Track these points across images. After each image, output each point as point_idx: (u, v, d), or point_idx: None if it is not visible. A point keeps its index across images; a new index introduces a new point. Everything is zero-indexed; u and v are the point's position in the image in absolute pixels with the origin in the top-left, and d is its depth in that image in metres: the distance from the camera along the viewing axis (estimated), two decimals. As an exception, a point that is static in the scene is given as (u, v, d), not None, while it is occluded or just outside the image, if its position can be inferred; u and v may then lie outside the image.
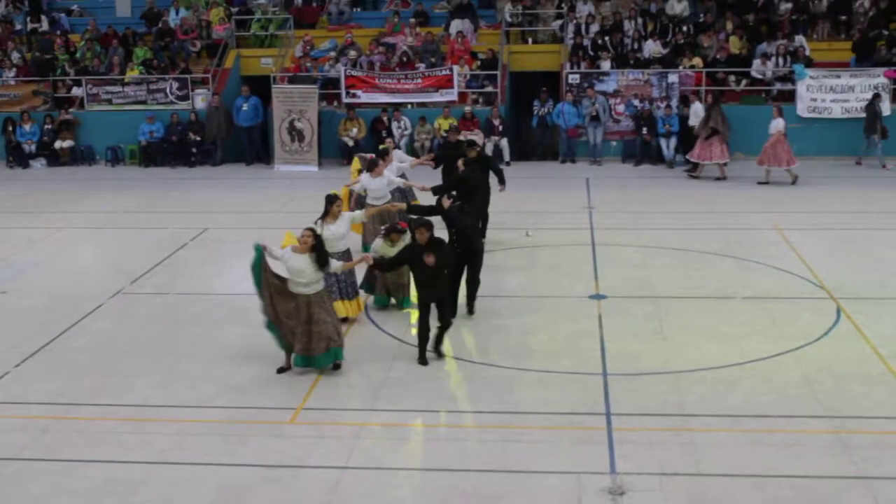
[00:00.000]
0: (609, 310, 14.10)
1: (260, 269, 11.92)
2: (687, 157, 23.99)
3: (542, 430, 10.39)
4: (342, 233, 13.27)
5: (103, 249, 18.52)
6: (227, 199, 22.40)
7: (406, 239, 12.67)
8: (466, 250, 13.59)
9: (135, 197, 22.90)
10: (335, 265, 12.26)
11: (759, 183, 22.71)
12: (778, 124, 23.00)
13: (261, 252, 11.91)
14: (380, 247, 12.86)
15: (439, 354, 12.32)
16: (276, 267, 12.09)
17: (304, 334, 11.77)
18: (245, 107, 26.82)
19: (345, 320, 13.31)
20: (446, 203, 13.99)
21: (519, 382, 11.63)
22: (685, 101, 25.93)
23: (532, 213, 20.06)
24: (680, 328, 13.34)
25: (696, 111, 24.55)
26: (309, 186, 23.36)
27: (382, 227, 13.13)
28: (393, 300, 14.12)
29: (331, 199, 13.29)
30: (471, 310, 13.93)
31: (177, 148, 27.09)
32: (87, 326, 14.00)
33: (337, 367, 11.97)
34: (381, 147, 16.38)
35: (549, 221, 19.39)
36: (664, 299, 14.57)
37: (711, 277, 15.59)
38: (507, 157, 25.85)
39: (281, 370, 12.04)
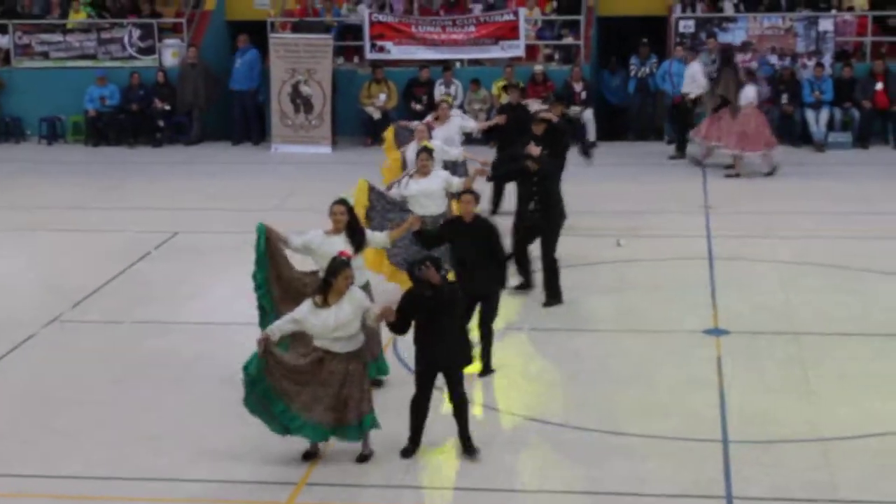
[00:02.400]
0: (732, 350, 14.02)
1: (266, 258, 12.45)
2: (692, 137, 23.76)
3: (637, 519, 10.35)
4: (435, 189, 15.18)
5: (35, 260, 18.70)
6: (206, 192, 22.55)
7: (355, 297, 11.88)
8: (549, 212, 15.16)
9: (79, 188, 23.10)
10: (377, 239, 12.82)
11: (728, 176, 22.82)
12: (748, 94, 22.94)
13: (264, 233, 12.43)
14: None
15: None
16: (298, 261, 12.75)
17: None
18: (239, 63, 27.05)
19: None
20: (535, 151, 15.30)
21: (606, 451, 11.57)
22: (843, 57, 25.79)
23: (626, 214, 20.04)
24: (833, 377, 13.24)
25: (694, 74, 24.37)
26: (319, 174, 23.45)
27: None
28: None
29: (420, 151, 15.54)
30: (553, 297, 15.51)
31: (137, 120, 27.33)
32: (13, 365, 14.12)
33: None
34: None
35: (649, 226, 19.37)
36: (810, 336, 14.47)
37: (877, 306, 15.47)
38: (591, 134, 25.78)
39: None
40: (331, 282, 11.14)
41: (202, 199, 21.95)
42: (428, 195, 15.13)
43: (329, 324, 11.08)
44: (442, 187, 15.25)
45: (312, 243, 12.47)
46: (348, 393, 11.21)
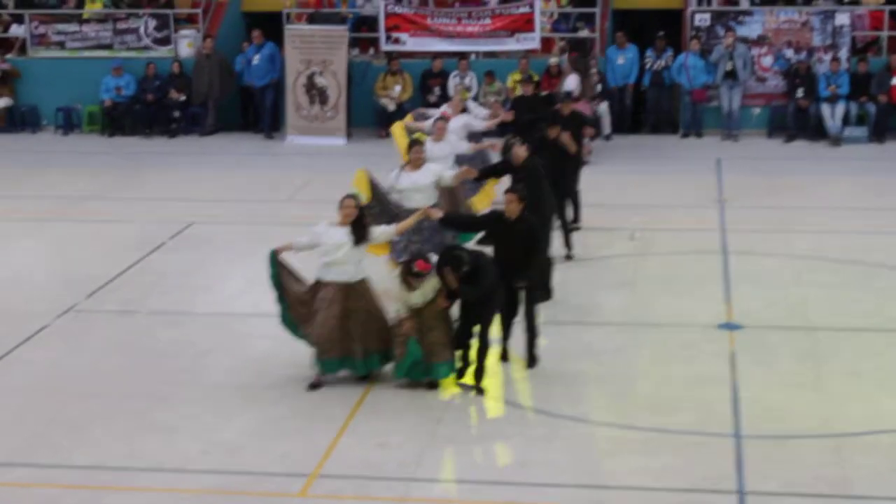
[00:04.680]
0: (746, 345, 14.00)
1: (279, 281, 12.88)
2: None
3: (648, 514, 10.35)
4: (425, 184, 15.13)
5: (50, 250, 18.74)
6: (221, 183, 22.59)
7: (431, 282, 12.59)
8: (537, 212, 14.05)
9: (94, 177, 23.15)
10: (385, 232, 13.16)
11: None
12: (569, 83, 22.96)
13: (275, 260, 12.85)
14: (397, 292, 12.73)
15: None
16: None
17: (338, 329, 12.65)
18: (257, 59, 26.88)
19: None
20: (521, 151, 15.14)
21: (618, 445, 11.59)
22: (860, 51, 25.75)
23: (640, 208, 20.02)
24: (846, 373, 13.22)
25: (568, 83, 24.41)
26: (333, 166, 23.44)
27: (401, 261, 13.67)
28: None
29: (413, 143, 15.64)
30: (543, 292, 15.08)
31: (153, 111, 27.38)
32: (26, 356, 14.14)
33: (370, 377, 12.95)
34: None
35: (663, 219, 19.37)
36: (824, 332, 14.45)
37: (892, 302, 15.46)
38: (606, 128, 25.78)
39: (313, 386, 12.82)
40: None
41: (217, 190, 21.99)
42: (418, 189, 15.11)
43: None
44: (432, 181, 15.22)
45: (316, 236, 12.75)
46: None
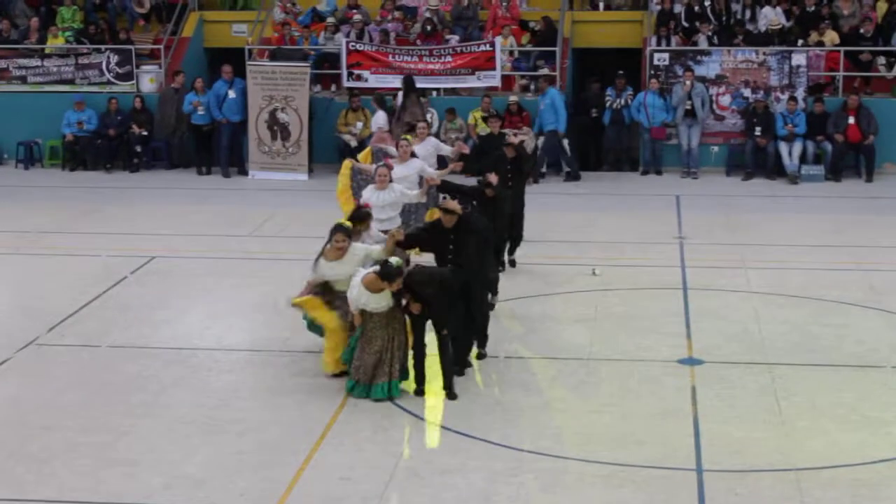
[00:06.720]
0: (706, 380, 14.02)
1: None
2: None
3: (611, 547, 10.33)
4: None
5: (10, 284, 18.64)
6: (183, 217, 22.53)
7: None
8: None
9: (55, 212, 23.04)
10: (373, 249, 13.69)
11: None
12: (378, 119, 23.50)
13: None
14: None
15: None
16: None
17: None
18: (233, 94, 26.75)
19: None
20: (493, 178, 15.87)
21: (580, 479, 11.55)
22: (816, 91, 25.97)
23: (600, 244, 20.06)
24: (805, 408, 13.24)
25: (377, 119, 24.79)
26: (295, 201, 23.47)
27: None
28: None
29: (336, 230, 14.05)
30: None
31: (115, 145, 27.30)
32: (-12, 389, 14.03)
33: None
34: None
35: (623, 255, 19.41)
36: (783, 367, 14.48)
37: (850, 338, 15.51)
38: (568, 163, 25.87)
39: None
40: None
41: (179, 225, 21.92)
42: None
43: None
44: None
45: (357, 296, 13.11)
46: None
